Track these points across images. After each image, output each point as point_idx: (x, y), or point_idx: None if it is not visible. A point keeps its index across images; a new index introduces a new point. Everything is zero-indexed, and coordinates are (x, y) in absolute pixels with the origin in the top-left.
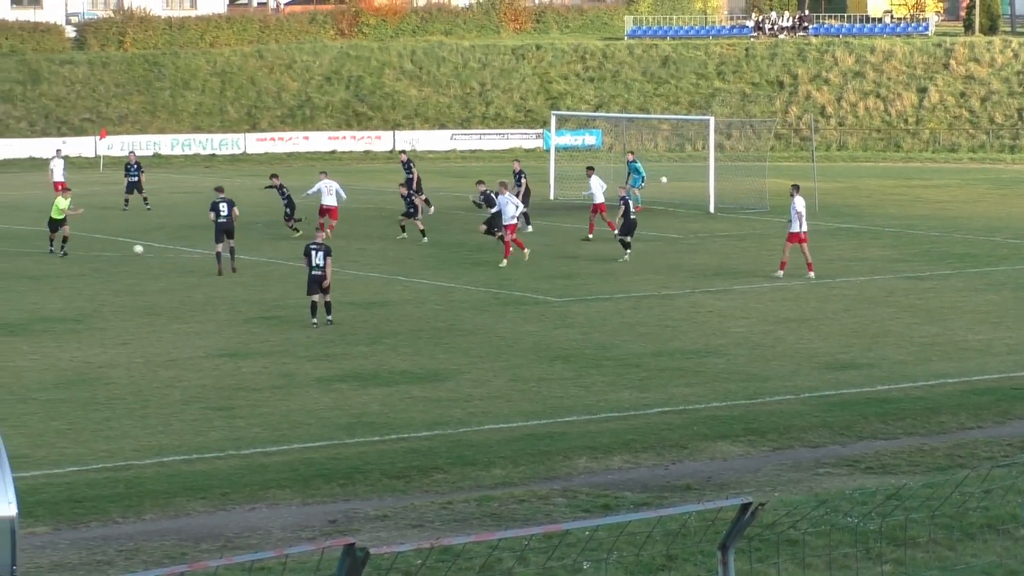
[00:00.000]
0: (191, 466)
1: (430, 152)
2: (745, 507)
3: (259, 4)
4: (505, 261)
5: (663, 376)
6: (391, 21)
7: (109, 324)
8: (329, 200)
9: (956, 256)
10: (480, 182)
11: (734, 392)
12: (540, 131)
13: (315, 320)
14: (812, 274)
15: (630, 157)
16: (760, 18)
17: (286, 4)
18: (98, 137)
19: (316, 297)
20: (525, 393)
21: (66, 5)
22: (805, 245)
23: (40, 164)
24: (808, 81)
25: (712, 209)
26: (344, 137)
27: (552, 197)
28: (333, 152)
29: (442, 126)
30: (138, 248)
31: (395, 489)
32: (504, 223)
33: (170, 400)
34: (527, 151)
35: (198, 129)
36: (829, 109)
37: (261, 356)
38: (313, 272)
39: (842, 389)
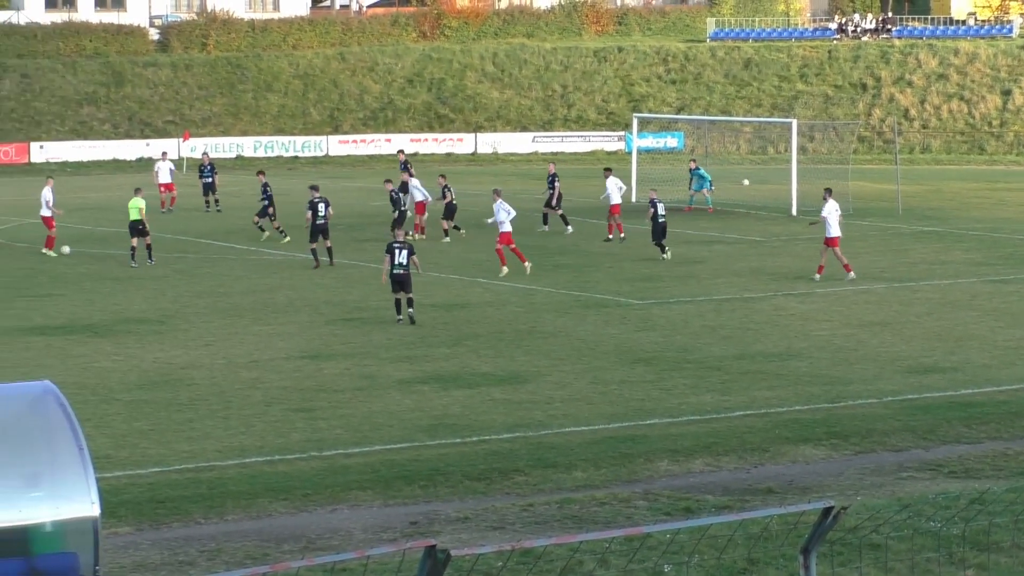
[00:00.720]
0: (273, 467)
1: (512, 155)
2: (827, 511)
3: (341, 6)
4: (505, 268)
5: (745, 379)
6: (473, 23)
7: (192, 325)
8: (420, 196)
9: None
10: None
11: (816, 395)
12: (622, 133)
13: (400, 317)
14: (819, 276)
15: (692, 165)
16: (843, 20)
17: (368, 6)
18: (181, 139)
19: (400, 295)
20: (606, 396)
21: (149, 8)
22: (836, 250)
23: (123, 166)
24: (891, 83)
25: (794, 212)
26: (426, 139)
27: (635, 200)
28: (415, 154)
29: (524, 128)
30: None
31: (476, 491)
32: (501, 231)
33: (252, 401)
34: (609, 153)
35: (280, 131)
36: (912, 112)
37: (343, 358)
38: (395, 271)
39: (925, 393)
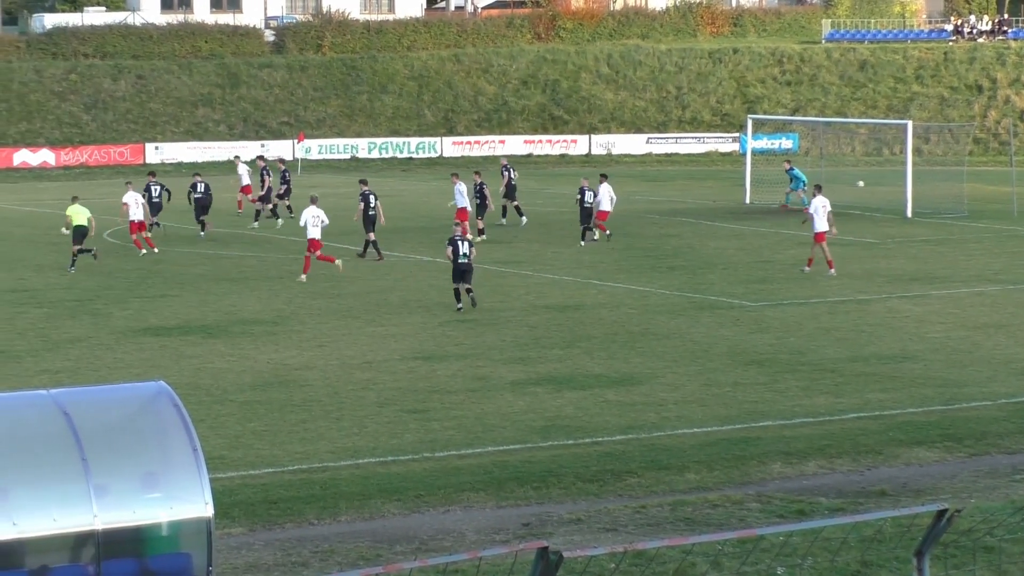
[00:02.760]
0: (386, 468)
1: (626, 156)
2: (941, 513)
3: (456, 8)
4: (304, 276)
5: (859, 381)
6: (588, 25)
7: (305, 326)
8: (463, 202)
9: None
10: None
11: (930, 398)
12: (736, 135)
13: (460, 306)
14: (833, 271)
15: (787, 165)
16: (959, 22)
17: (483, 8)
18: (296, 140)
19: (461, 285)
20: (719, 397)
21: (265, 9)
22: (823, 245)
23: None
24: (1007, 85)
25: (909, 214)
26: (540, 141)
27: (748, 201)
28: (529, 155)
29: (638, 130)
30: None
31: (589, 493)
32: (308, 237)
33: (365, 402)
34: (723, 155)
35: (395, 133)
36: None
37: (455, 359)
38: (460, 261)
39: None
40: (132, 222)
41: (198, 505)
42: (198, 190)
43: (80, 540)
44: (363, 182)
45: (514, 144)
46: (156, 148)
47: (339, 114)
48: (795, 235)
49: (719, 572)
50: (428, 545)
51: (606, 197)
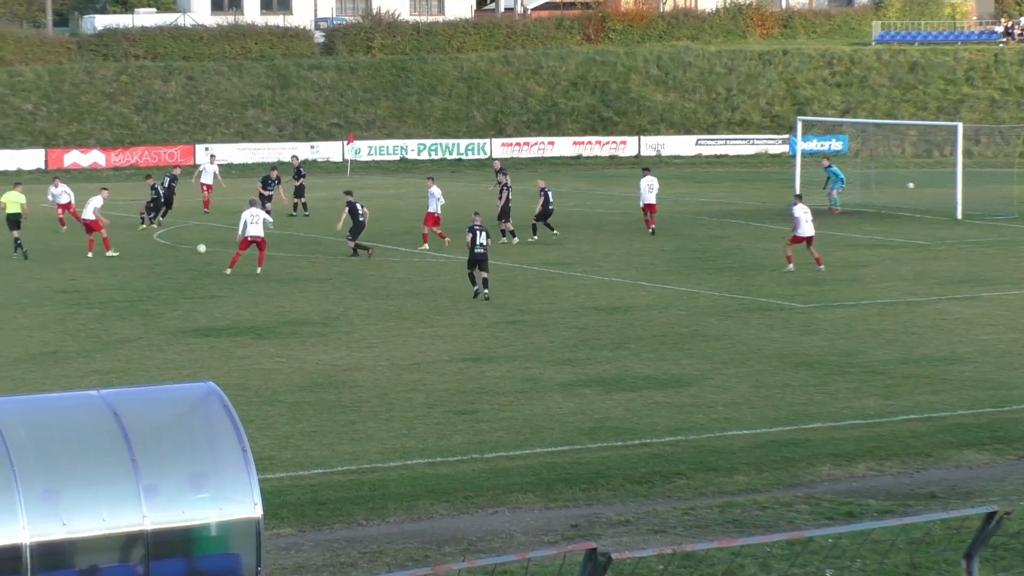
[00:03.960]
0: (434, 469)
1: (676, 157)
2: (990, 516)
3: (506, 9)
4: (229, 270)
5: (908, 383)
6: (637, 26)
7: (355, 327)
8: (433, 207)
9: None
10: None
11: (981, 400)
12: (786, 136)
13: (476, 287)
14: (791, 266)
15: (825, 163)
16: (1009, 23)
17: (533, 9)
18: (346, 142)
19: (476, 272)
20: (768, 399)
21: (315, 10)
22: (809, 247)
23: (287, 168)
24: None
25: (959, 216)
26: (589, 142)
27: None
28: (578, 157)
29: (688, 131)
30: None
31: (637, 494)
32: (248, 235)
33: (414, 403)
34: (773, 156)
35: (444, 134)
36: None
37: (505, 360)
38: (476, 251)
39: None
40: (85, 220)
41: (247, 506)
42: (164, 184)
43: (129, 540)
44: (348, 193)
45: (563, 146)
46: (206, 149)
47: (389, 115)
48: (845, 236)
49: (768, 574)
50: (476, 546)
51: (646, 189)
